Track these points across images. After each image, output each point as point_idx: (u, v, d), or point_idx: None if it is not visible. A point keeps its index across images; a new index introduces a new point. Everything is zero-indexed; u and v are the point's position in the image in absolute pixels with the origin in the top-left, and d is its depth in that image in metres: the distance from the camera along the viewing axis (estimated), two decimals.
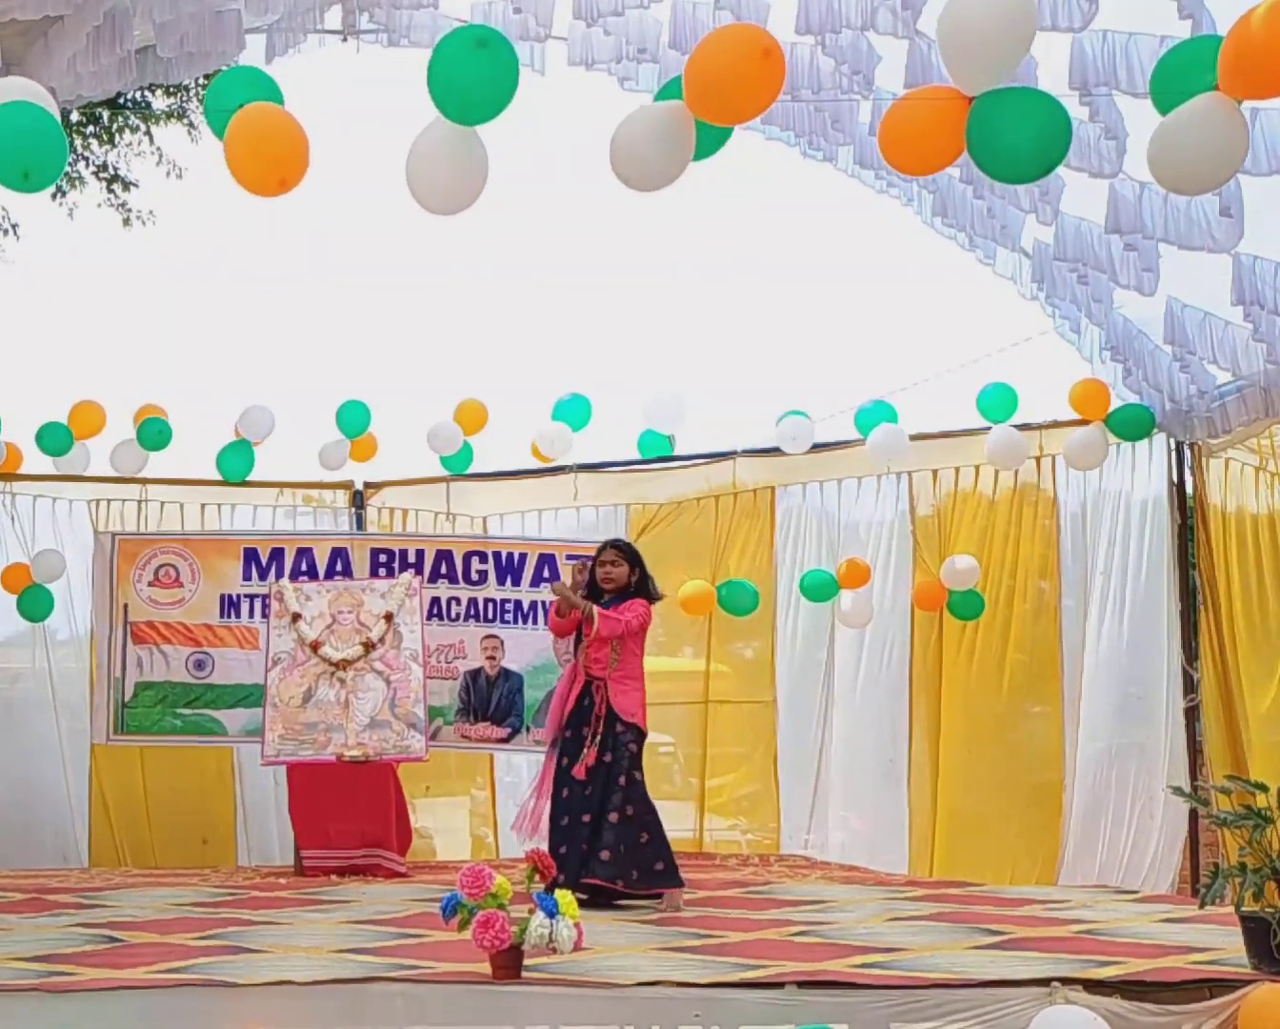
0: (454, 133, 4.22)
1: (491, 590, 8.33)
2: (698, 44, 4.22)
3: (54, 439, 8.51)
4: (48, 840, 8.36)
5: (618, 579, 6.11)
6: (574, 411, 8.70)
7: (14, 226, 11.03)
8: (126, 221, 11.12)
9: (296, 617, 7.85)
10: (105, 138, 10.70)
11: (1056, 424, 8.02)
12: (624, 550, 6.26)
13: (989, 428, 8.00)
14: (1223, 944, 4.62)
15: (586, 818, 5.89)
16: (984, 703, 8.18)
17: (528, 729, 8.29)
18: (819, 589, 8.49)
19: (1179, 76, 4.07)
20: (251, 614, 8.21)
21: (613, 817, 5.87)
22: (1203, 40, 4.18)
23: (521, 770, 9.07)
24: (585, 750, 5.93)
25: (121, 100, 9.92)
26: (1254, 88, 4.01)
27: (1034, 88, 4.29)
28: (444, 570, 8.36)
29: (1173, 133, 4.13)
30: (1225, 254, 5.47)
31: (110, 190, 10.97)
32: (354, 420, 8.87)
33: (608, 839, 5.82)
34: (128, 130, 10.71)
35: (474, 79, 4.10)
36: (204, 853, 8.40)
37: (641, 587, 6.18)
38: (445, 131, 4.23)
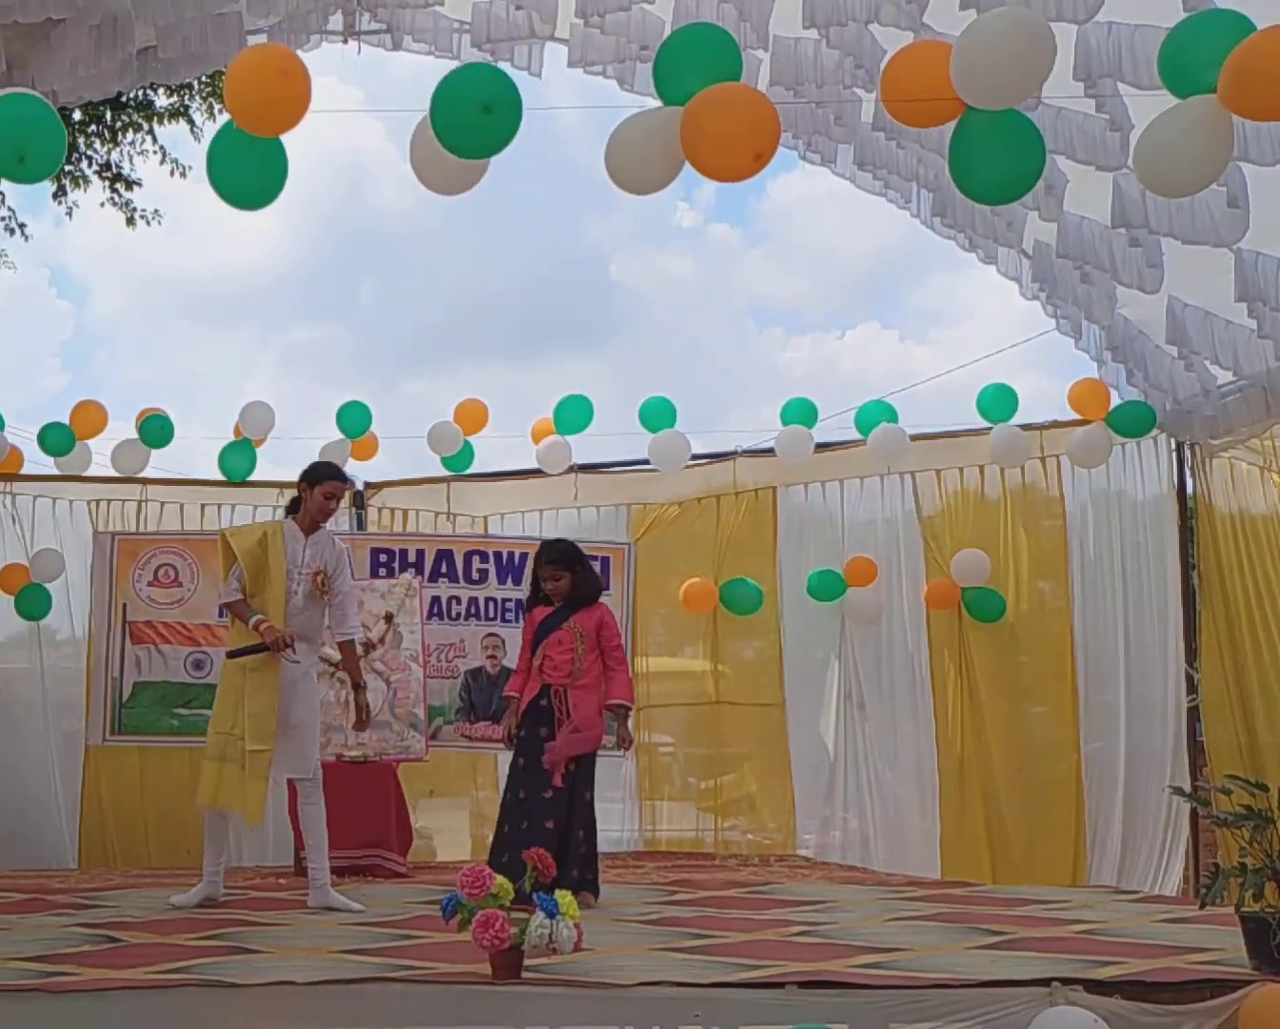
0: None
1: (492, 589, 8.32)
2: (698, 98, 4.16)
3: (56, 439, 8.52)
4: (41, 842, 8.33)
5: (563, 589, 6.02)
6: (574, 412, 8.69)
7: (21, 226, 11.02)
8: (130, 220, 11.11)
9: None
10: (108, 136, 10.68)
11: (1057, 424, 8.02)
12: (559, 560, 6.07)
13: (990, 428, 8.01)
14: (1223, 944, 4.61)
15: (550, 824, 5.82)
16: (997, 704, 8.18)
17: None
18: (826, 588, 8.49)
19: (1188, 57, 4.03)
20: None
21: (581, 833, 5.90)
22: (1216, 18, 4.09)
23: None
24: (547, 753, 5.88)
25: (123, 98, 9.91)
26: (1254, 109, 3.99)
27: (1020, 114, 4.28)
28: (444, 570, 8.34)
29: (1158, 134, 4.14)
30: (1229, 250, 5.46)
31: (113, 189, 10.96)
32: (354, 421, 8.87)
33: (573, 858, 5.82)
34: (130, 129, 10.70)
35: (475, 136, 4.13)
36: (191, 857, 8.38)
37: (586, 585, 6.08)
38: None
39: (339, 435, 8.84)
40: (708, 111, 4.14)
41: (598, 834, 6.11)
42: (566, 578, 6.02)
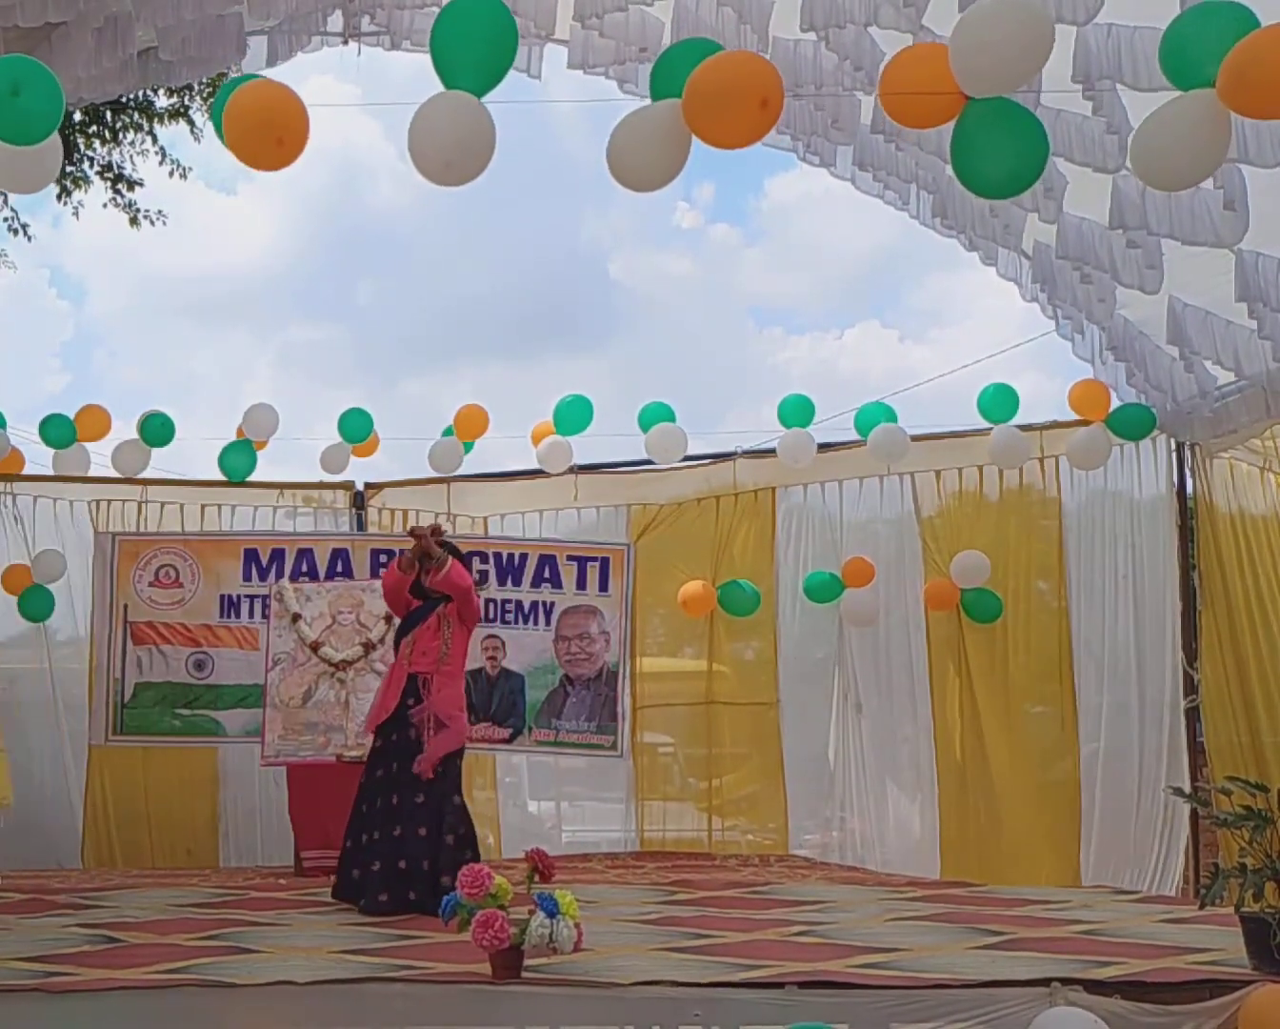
0: (458, 100, 4.21)
1: (492, 591, 8.32)
2: (702, 65, 4.18)
3: (57, 431, 8.53)
4: (45, 842, 8.34)
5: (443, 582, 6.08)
6: (574, 413, 8.70)
7: (24, 227, 11.01)
8: (134, 221, 11.09)
9: (297, 617, 7.85)
10: (110, 136, 10.68)
11: (1057, 425, 8.02)
12: (446, 546, 6.18)
13: (989, 429, 8.01)
14: (1223, 944, 4.62)
15: (423, 831, 5.79)
16: (996, 704, 8.18)
17: (529, 729, 8.30)
18: (823, 589, 8.49)
19: (1189, 49, 4.03)
20: (251, 614, 8.20)
21: (449, 839, 5.83)
22: (1219, 10, 4.06)
23: (522, 771, 9.08)
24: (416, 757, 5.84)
25: (123, 99, 9.90)
26: (1253, 109, 3.99)
27: (1022, 107, 4.28)
28: None
29: (1156, 128, 4.15)
30: (1229, 250, 5.46)
31: (115, 190, 10.95)
32: (356, 428, 8.88)
33: (445, 863, 5.70)
34: (131, 129, 10.69)
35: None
36: (191, 857, 8.42)
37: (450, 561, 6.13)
38: (449, 99, 4.22)
39: (335, 437, 8.88)
40: (707, 75, 4.14)
41: (473, 834, 6.06)
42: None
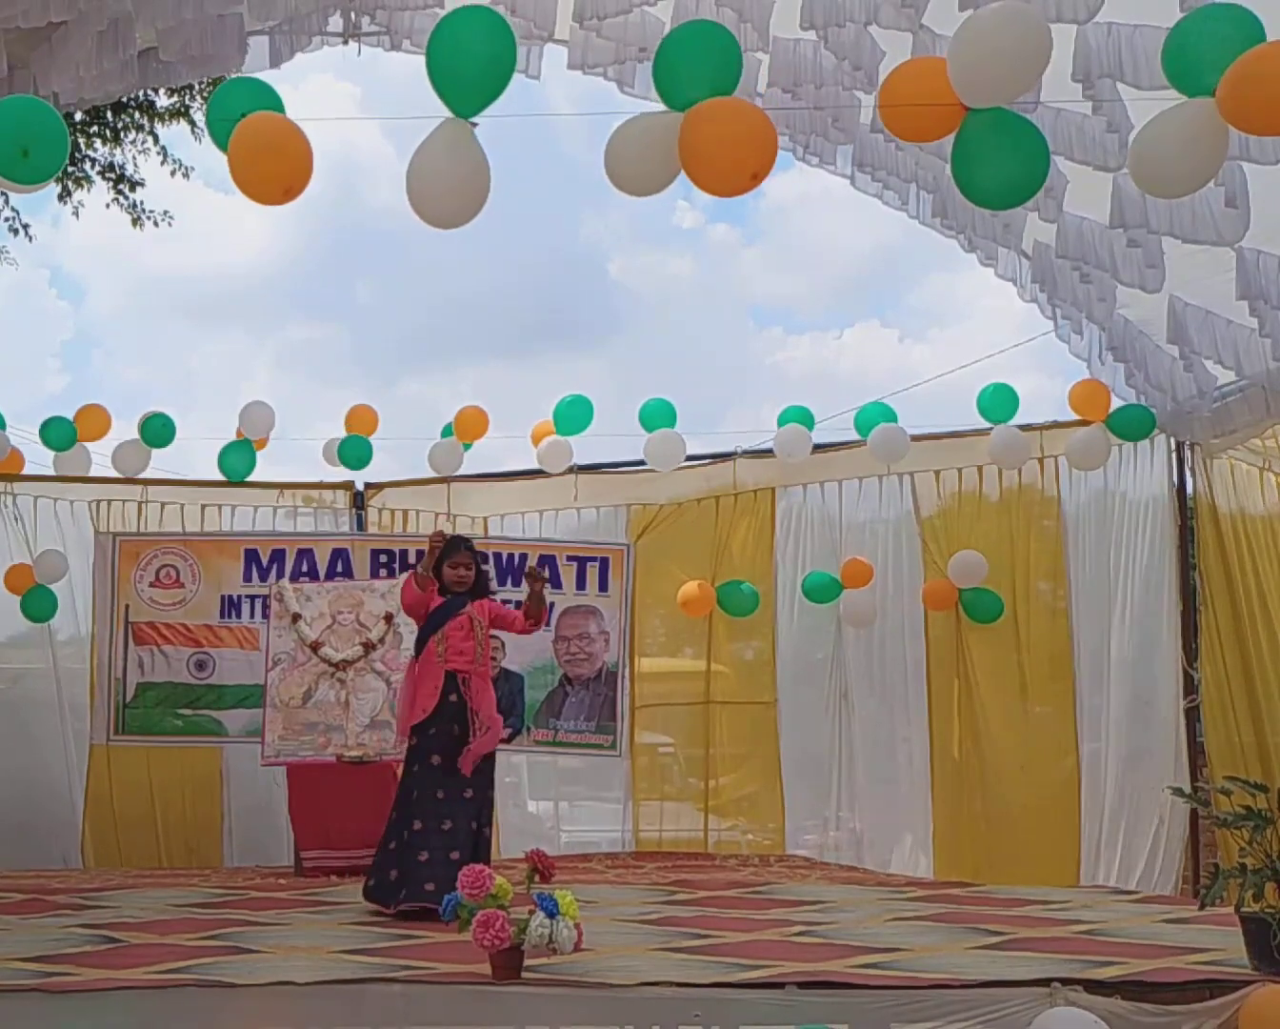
0: (455, 139, 4.22)
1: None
2: (695, 113, 4.17)
3: (58, 433, 8.53)
4: (47, 841, 8.35)
5: (467, 581, 6.11)
6: (574, 413, 8.70)
7: (25, 227, 11.00)
8: (136, 221, 11.08)
9: (296, 617, 7.86)
10: (109, 136, 10.67)
11: (1057, 425, 8.03)
12: (474, 551, 6.23)
13: (989, 429, 8.01)
14: (1223, 945, 4.62)
15: (474, 825, 5.84)
16: (995, 704, 8.18)
17: (529, 729, 8.30)
18: (821, 590, 8.49)
19: (1192, 54, 4.02)
20: (252, 615, 8.20)
21: (486, 833, 5.91)
22: (1223, 15, 4.04)
23: (522, 770, 9.07)
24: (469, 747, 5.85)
25: (124, 98, 9.88)
26: (1252, 124, 3.99)
27: (1022, 117, 4.27)
28: None
29: (1154, 136, 4.15)
30: (1230, 248, 5.46)
31: (117, 189, 10.94)
32: (356, 454, 8.90)
33: (483, 856, 5.74)
34: (132, 129, 10.68)
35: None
36: (193, 857, 8.42)
37: (484, 582, 6.24)
38: (446, 140, 4.23)
39: (336, 434, 8.91)
40: (704, 129, 4.14)
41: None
42: (474, 572, 6.13)
